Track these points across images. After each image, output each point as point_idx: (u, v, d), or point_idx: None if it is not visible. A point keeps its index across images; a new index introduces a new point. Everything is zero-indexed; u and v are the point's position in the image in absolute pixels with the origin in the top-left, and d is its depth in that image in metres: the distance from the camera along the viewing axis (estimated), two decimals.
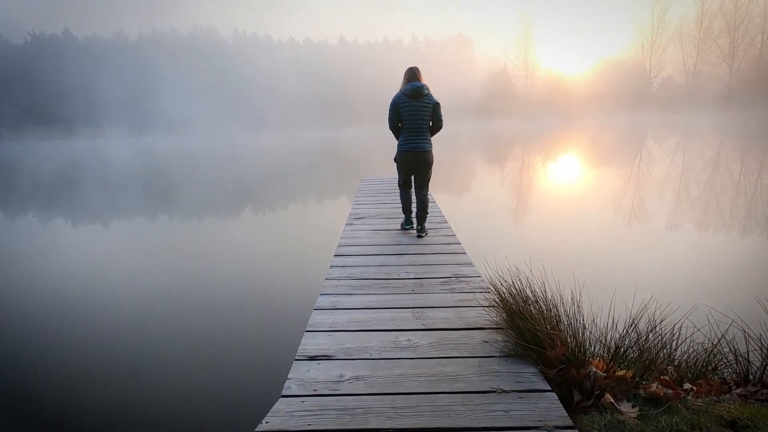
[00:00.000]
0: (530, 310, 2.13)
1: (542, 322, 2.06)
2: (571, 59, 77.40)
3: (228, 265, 5.39)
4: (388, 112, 4.02)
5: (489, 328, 2.25)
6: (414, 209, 4.27)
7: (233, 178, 15.07)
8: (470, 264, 3.28)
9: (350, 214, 5.20)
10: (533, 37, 66.97)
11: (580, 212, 7.88)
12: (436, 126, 4.04)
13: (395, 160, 4.17)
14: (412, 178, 4.21)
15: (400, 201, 4.37)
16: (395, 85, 4.13)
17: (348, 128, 49.77)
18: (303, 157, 21.93)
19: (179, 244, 6.92)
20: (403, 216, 4.40)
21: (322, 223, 7.84)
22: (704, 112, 51.06)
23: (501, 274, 2.59)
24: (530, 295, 2.36)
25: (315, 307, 2.58)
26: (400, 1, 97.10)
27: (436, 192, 8.42)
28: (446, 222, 4.63)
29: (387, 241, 3.98)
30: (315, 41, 66.79)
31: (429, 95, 3.90)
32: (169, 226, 8.28)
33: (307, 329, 2.30)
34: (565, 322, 2.12)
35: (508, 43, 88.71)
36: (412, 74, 3.95)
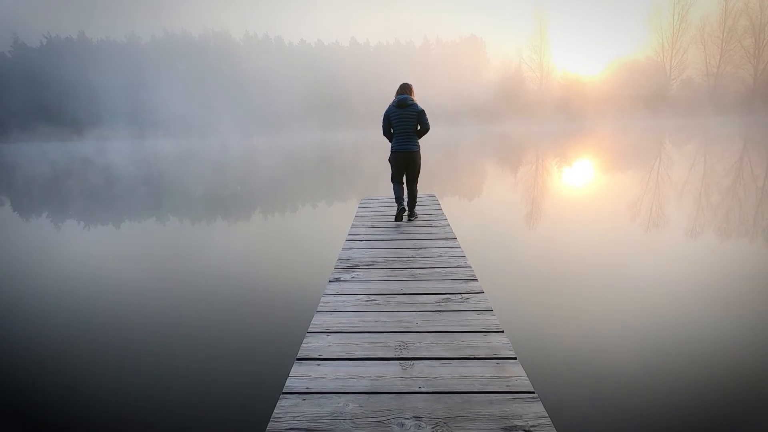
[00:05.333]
0: None
1: None
2: (586, 60, 75.02)
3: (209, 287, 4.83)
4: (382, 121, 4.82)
5: None
6: (406, 200, 5.00)
7: (239, 182, 14.17)
8: (533, 395, 1.83)
9: (340, 257, 3.79)
10: (548, 37, 64.78)
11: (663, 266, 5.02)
12: (424, 129, 4.76)
13: (389, 160, 4.91)
14: (405, 175, 4.94)
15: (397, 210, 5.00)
16: None
17: (359, 130, 48.44)
18: (312, 160, 20.67)
19: (174, 247, 6.82)
20: (396, 206, 5.05)
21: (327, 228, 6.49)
22: (727, 115, 48.73)
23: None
24: None
25: None
26: (411, 3, 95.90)
27: (444, 199, 6.87)
28: (475, 278, 3.15)
29: (387, 323, 2.48)
30: (326, 43, 65.86)
31: (413, 105, 4.64)
32: (167, 230, 7.97)
33: None
34: None
35: (522, 45, 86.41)
36: (402, 89, 4.73)
